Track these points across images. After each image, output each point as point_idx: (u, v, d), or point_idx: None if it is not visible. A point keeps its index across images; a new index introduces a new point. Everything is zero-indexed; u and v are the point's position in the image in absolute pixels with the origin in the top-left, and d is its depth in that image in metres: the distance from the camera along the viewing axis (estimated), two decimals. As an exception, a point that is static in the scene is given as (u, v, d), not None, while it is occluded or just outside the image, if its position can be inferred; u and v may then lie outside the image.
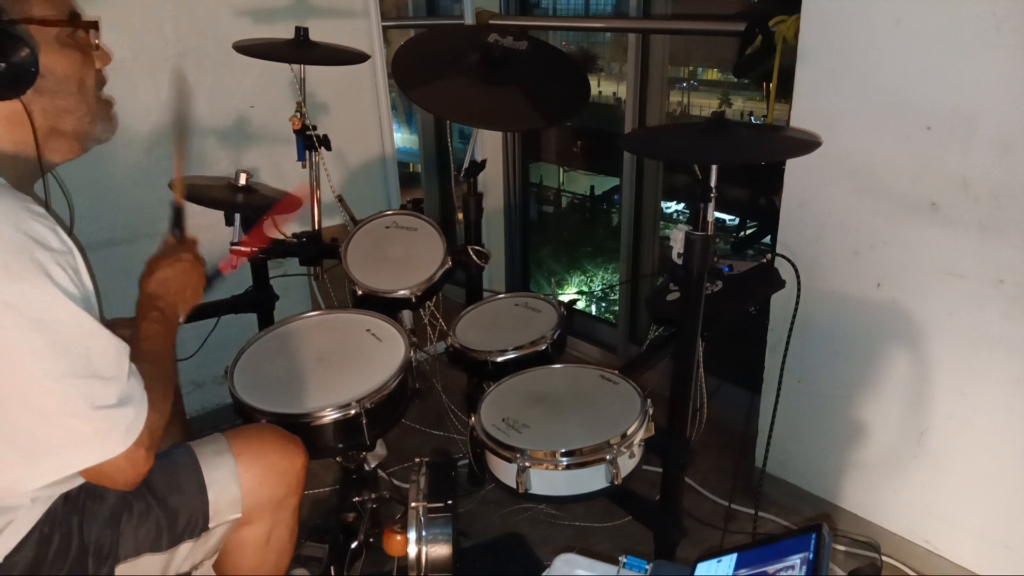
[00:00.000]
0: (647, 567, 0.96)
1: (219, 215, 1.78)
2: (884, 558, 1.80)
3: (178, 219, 1.39)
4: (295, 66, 1.94)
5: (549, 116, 1.88)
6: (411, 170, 4.30)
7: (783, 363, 1.70)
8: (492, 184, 3.08)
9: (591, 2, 3.14)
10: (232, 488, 1.19)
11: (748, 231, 2.55)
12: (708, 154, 1.30)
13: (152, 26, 2.11)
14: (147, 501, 1.13)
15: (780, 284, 1.77)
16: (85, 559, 1.09)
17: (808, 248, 1.78)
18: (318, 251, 2.02)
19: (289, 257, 2.09)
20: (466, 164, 1.92)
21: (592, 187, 3.42)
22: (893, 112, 1.57)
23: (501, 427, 1.41)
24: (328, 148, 2.00)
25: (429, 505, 1.42)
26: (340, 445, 1.46)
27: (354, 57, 1.91)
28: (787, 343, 1.70)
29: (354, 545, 1.72)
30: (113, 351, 1.00)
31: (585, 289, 3.52)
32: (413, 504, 1.42)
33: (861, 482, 1.86)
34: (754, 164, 2.27)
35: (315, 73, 2.08)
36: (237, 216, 1.77)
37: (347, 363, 1.54)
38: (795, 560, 0.80)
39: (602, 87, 3.16)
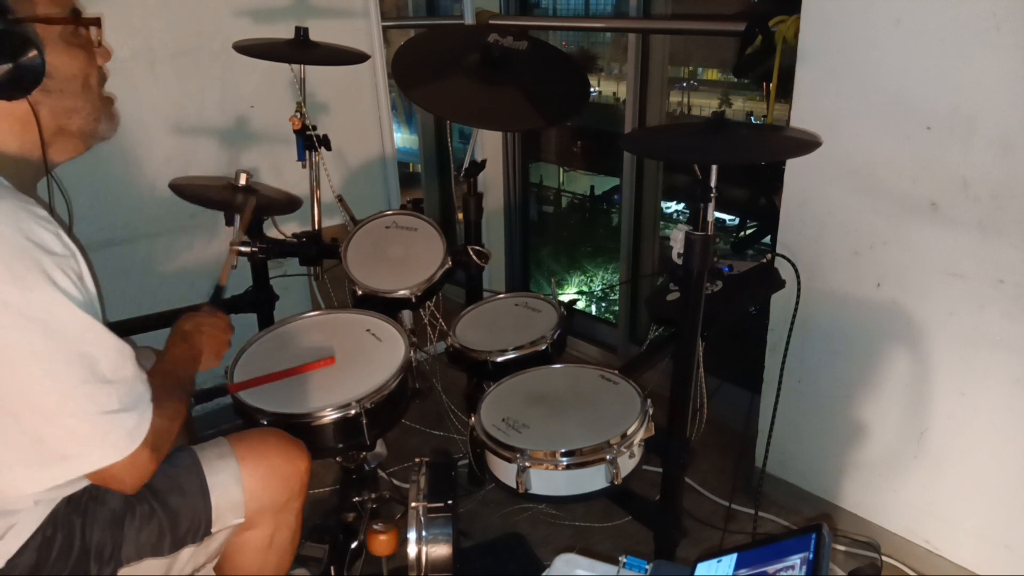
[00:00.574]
0: (647, 567, 0.96)
1: (219, 215, 1.78)
2: (884, 558, 1.80)
3: (218, 296, 1.50)
4: (295, 66, 1.94)
5: (549, 116, 1.88)
6: (411, 170, 4.30)
7: (783, 363, 1.70)
8: (492, 184, 3.08)
9: (591, 2, 3.14)
10: (235, 492, 1.18)
11: (748, 231, 2.55)
12: (708, 154, 1.30)
13: (152, 26, 2.11)
14: (150, 504, 1.13)
15: (780, 284, 1.77)
16: (87, 562, 1.08)
17: (808, 248, 1.78)
18: (318, 251, 2.02)
19: (289, 257, 2.09)
20: (466, 164, 1.92)
21: (592, 187, 3.42)
22: (893, 112, 1.57)
23: (501, 427, 1.41)
24: (328, 148, 2.00)
25: (429, 505, 1.41)
26: (340, 445, 1.46)
27: (354, 57, 1.91)
28: (787, 343, 1.70)
29: (354, 545, 1.72)
30: (116, 354, 0.99)
31: (585, 289, 3.52)
32: (413, 504, 1.42)
33: (861, 482, 1.86)
34: (754, 164, 2.27)
35: (315, 73, 2.08)
36: (237, 216, 1.77)
37: (347, 363, 1.54)
38: (795, 560, 0.80)
39: (602, 87, 3.16)
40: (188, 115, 2.24)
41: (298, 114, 1.96)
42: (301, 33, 1.85)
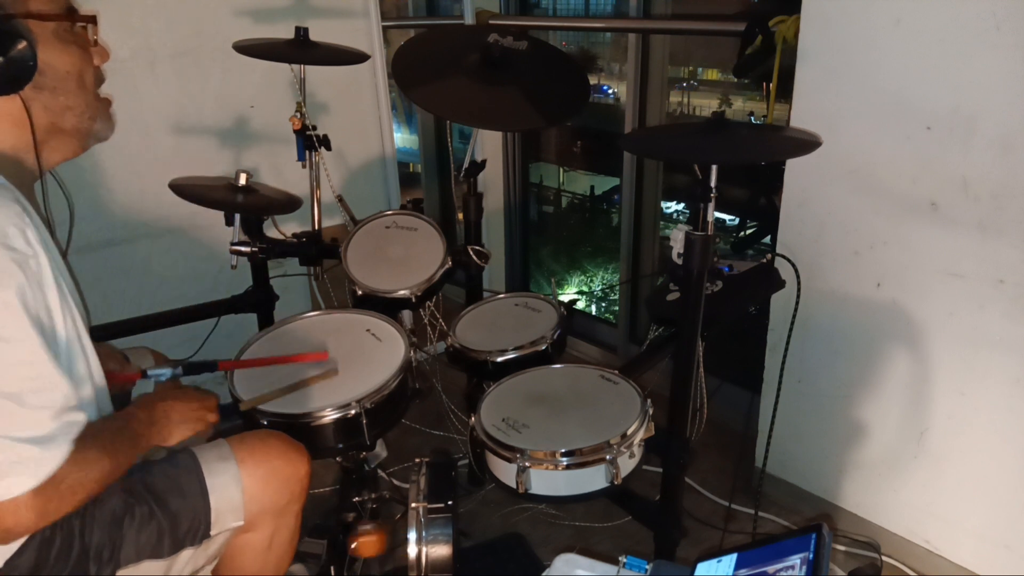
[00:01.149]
0: (647, 567, 0.96)
1: (219, 215, 1.78)
2: (884, 558, 1.80)
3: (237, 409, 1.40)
4: (295, 66, 1.94)
5: (549, 116, 1.88)
6: (411, 170, 4.30)
7: (783, 363, 1.70)
8: (492, 184, 3.08)
9: (591, 2, 3.14)
10: (235, 495, 1.18)
11: (748, 231, 2.55)
12: (708, 154, 1.30)
13: (152, 26, 2.11)
14: (149, 506, 1.13)
15: (780, 284, 1.77)
16: (86, 563, 1.08)
17: (808, 248, 1.78)
18: (318, 251, 2.02)
19: (289, 257, 2.09)
20: (466, 164, 1.92)
21: (592, 187, 3.42)
22: (893, 112, 1.57)
23: (501, 427, 1.41)
24: (328, 148, 2.00)
25: (429, 505, 1.41)
26: (340, 445, 1.46)
27: (354, 57, 1.91)
28: (787, 343, 1.70)
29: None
30: (48, 381, 0.94)
31: (585, 289, 3.52)
32: (413, 504, 1.42)
33: (861, 482, 1.86)
34: (754, 164, 2.27)
35: (315, 73, 2.08)
36: (237, 216, 1.77)
37: (347, 363, 1.54)
38: (795, 560, 0.80)
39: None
40: (188, 115, 2.24)
41: (298, 114, 1.96)
42: (301, 33, 1.85)
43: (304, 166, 2.03)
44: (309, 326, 1.68)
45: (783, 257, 1.70)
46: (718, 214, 1.32)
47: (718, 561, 0.89)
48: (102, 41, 1.13)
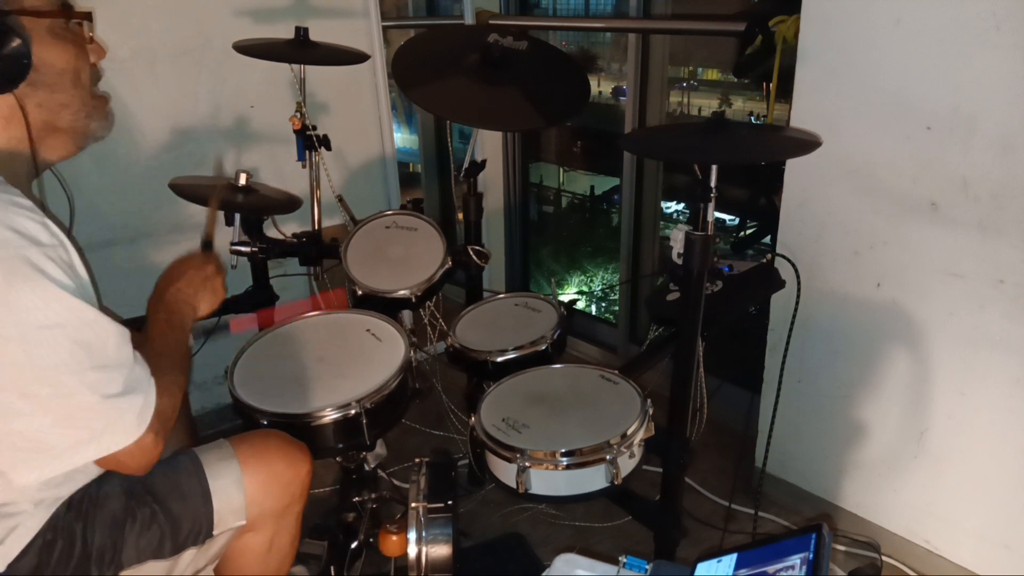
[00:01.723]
0: (647, 567, 0.96)
1: (219, 215, 1.78)
2: (884, 558, 1.80)
3: (207, 246, 1.43)
4: (295, 66, 1.94)
5: (549, 116, 1.88)
6: (411, 170, 4.30)
7: (783, 363, 1.70)
8: (492, 184, 3.08)
9: (591, 2, 3.14)
10: (236, 496, 1.18)
11: (748, 231, 2.55)
12: (708, 154, 1.30)
13: (152, 26, 2.11)
14: (151, 508, 1.13)
15: (780, 284, 1.77)
16: (88, 565, 1.08)
17: (808, 248, 1.78)
18: (318, 251, 2.02)
19: (289, 257, 2.09)
20: (466, 164, 1.92)
21: (592, 187, 3.42)
22: (893, 112, 1.57)
23: (501, 427, 1.41)
24: (328, 148, 2.00)
25: (429, 505, 1.41)
26: (340, 445, 1.45)
27: (354, 57, 1.91)
28: (787, 343, 1.70)
29: (354, 545, 1.72)
30: (114, 339, 0.98)
31: (585, 289, 3.52)
32: (413, 504, 1.42)
33: (861, 482, 1.86)
34: (754, 164, 2.27)
35: (315, 73, 2.08)
36: (237, 216, 1.77)
37: (347, 363, 1.54)
38: (795, 560, 0.80)
39: (602, 87, 3.16)
40: (188, 115, 2.24)
41: (298, 114, 1.96)
42: (301, 33, 1.85)
43: (304, 166, 2.03)
44: (309, 326, 1.68)
45: (783, 257, 1.70)
46: (718, 214, 1.33)
47: (718, 561, 0.89)
48: (98, 38, 1.12)
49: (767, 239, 2.33)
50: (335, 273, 2.06)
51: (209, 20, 2.19)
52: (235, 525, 1.19)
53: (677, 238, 1.35)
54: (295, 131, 1.97)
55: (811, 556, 0.79)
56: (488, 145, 2.98)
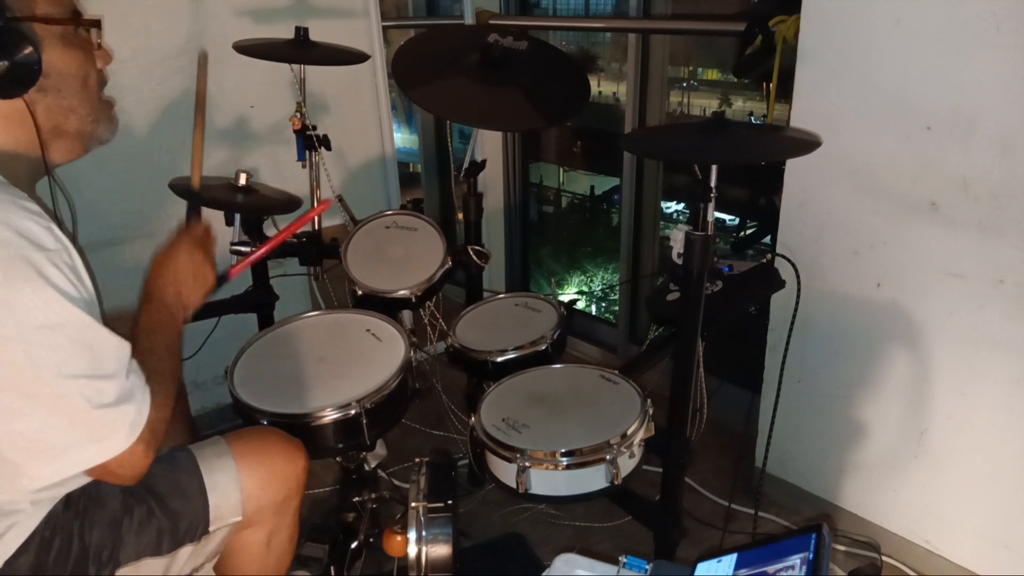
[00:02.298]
0: (647, 567, 0.97)
1: (219, 215, 1.78)
2: (884, 558, 1.80)
3: (192, 210, 1.38)
4: (295, 66, 1.94)
5: (549, 116, 1.88)
6: (411, 170, 4.30)
7: (783, 363, 1.70)
8: (492, 184, 3.08)
9: (591, 2, 3.14)
10: (233, 492, 1.18)
11: (748, 231, 2.55)
12: (708, 154, 1.30)
13: (152, 26, 2.11)
14: (148, 506, 1.13)
15: (780, 284, 1.77)
16: (86, 563, 1.08)
17: (808, 248, 1.78)
18: (318, 251, 2.02)
19: (289, 257, 2.09)
20: (466, 164, 1.92)
21: (592, 187, 3.42)
22: (893, 112, 1.57)
23: (501, 427, 1.41)
24: (328, 148, 2.00)
25: (429, 505, 1.42)
26: (340, 445, 1.46)
27: (354, 57, 1.91)
28: (787, 343, 1.70)
29: (354, 545, 1.72)
30: (112, 348, 0.99)
31: (585, 289, 3.52)
32: (413, 504, 1.42)
33: (861, 482, 1.86)
34: (754, 164, 2.27)
35: (315, 73, 2.08)
36: (237, 216, 1.77)
37: (347, 363, 1.54)
38: (795, 560, 0.80)
39: (602, 87, 3.16)
40: (188, 115, 2.23)
41: (298, 114, 1.96)
42: (301, 33, 1.85)
43: (304, 166, 2.03)
44: (309, 326, 1.68)
45: (783, 257, 1.70)
46: (718, 214, 1.33)
47: (718, 561, 0.89)
48: (106, 44, 1.13)
49: (767, 239, 2.33)
50: (335, 273, 2.06)
51: (209, 20, 2.19)
52: (232, 521, 1.20)
53: (677, 238, 1.35)
54: (295, 131, 1.97)
55: (811, 556, 0.79)
56: (488, 145, 2.97)
